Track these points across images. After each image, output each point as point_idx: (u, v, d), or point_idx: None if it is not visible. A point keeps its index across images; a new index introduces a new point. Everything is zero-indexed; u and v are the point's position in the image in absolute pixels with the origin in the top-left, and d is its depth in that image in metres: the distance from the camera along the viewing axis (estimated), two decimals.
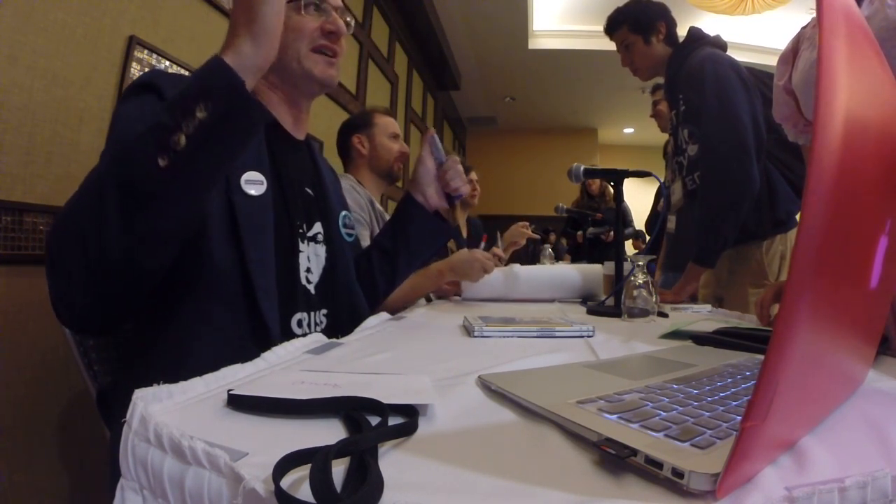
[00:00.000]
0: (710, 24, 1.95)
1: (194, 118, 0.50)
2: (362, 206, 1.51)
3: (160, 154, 0.50)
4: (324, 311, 0.82)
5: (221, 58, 0.53)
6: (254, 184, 0.71)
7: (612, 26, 1.65)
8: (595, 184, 3.95)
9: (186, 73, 0.76)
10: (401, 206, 0.97)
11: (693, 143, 1.51)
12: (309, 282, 0.80)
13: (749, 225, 1.40)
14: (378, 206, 1.62)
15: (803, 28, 0.86)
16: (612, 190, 1.34)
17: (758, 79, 1.44)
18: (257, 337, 0.65)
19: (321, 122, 2.43)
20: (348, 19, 0.83)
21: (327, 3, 0.80)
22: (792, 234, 1.44)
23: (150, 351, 0.65)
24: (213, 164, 0.55)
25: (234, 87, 0.52)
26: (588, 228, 3.72)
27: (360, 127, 1.70)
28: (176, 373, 0.41)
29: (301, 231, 0.80)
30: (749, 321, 0.94)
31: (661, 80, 2.24)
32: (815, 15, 0.24)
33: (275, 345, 0.54)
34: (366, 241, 1.25)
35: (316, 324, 0.79)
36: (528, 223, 2.38)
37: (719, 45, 1.52)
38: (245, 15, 0.54)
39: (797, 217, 1.42)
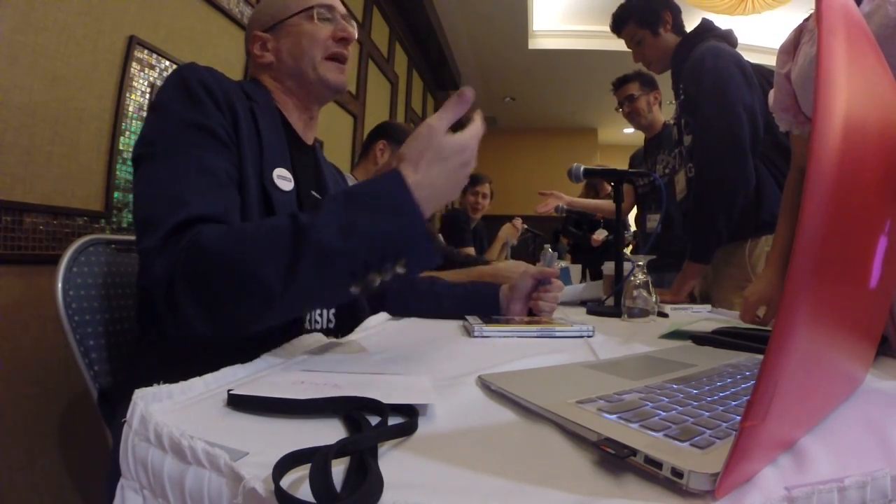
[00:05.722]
0: None
1: (393, 270, 0.50)
2: None
3: (355, 284, 0.50)
4: (332, 311, 0.82)
5: (421, 212, 0.51)
6: (284, 179, 0.73)
7: (619, 24, 1.62)
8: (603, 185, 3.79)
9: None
10: (482, 288, 0.96)
11: (687, 134, 1.50)
12: None
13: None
14: None
15: (806, 20, 0.85)
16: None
17: (762, 76, 1.43)
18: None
19: (321, 122, 2.42)
20: (353, 24, 0.86)
21: (335, 12, 0.84)
22: None
23: (151, 351, 0.65)
24: None
25: (431, 256, 0.52)
26: (597, 231, 3.64)
27: (389, 137, 1.69)
28: (178, 373, 0.40)
29: None
30: None
31: (624, 73, 2.12)
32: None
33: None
34: None
35: (328, 321, 0.80)
36: (521, 220, 2.38)
37: (728, 39, 1.50)
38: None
39: None
